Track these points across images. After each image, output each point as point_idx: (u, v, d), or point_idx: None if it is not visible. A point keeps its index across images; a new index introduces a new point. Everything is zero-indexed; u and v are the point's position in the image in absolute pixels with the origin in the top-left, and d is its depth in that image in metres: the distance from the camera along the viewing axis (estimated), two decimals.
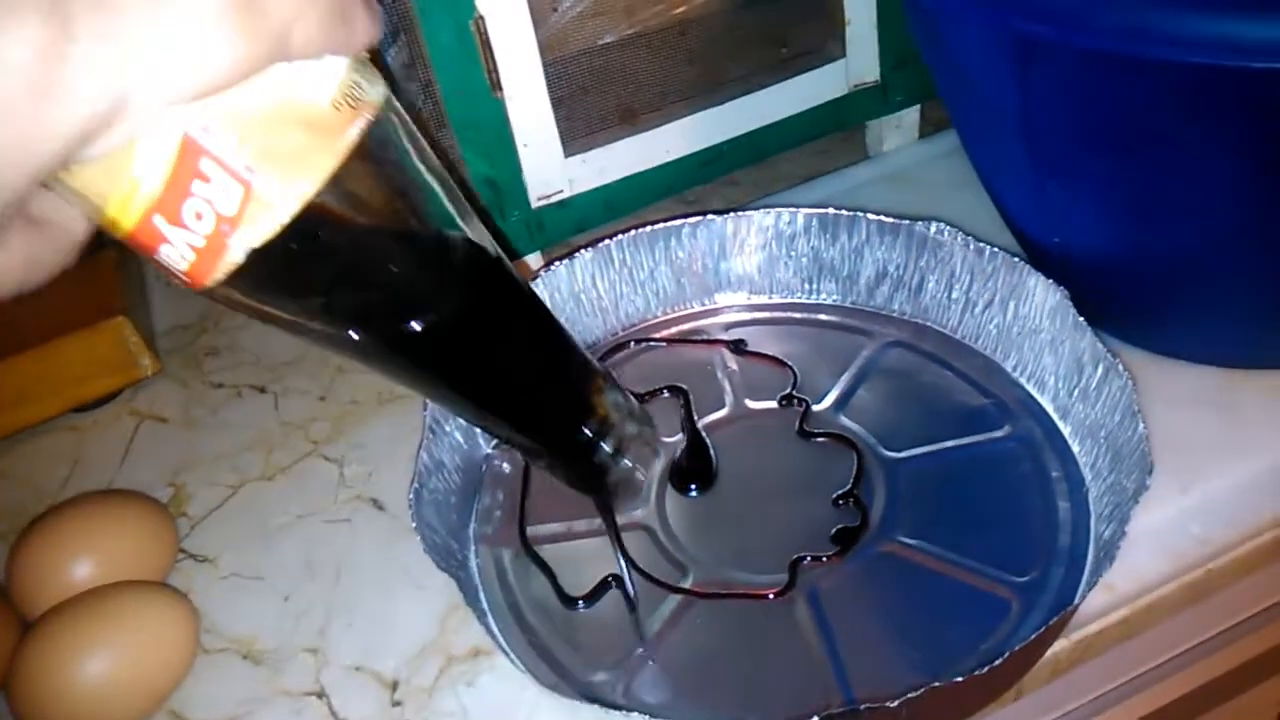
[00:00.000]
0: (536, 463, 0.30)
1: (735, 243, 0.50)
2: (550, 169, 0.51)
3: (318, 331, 0.24)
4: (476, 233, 0.25)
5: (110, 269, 0.58)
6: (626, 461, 0.30)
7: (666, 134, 0.53)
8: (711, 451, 0.44)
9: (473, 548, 0.42)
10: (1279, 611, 0.48)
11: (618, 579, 0.39)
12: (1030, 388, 0.44)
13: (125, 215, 0.20)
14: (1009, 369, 0.46)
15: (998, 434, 0.43)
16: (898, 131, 0.60)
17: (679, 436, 0.45)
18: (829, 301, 0.51)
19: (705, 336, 0.50)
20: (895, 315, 0.49)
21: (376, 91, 0.22)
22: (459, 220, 0.24)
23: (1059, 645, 0.37)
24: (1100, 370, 0.40)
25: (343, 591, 0.43)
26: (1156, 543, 0.39)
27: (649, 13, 0.51)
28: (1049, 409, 0.43)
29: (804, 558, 0.39)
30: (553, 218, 0.53)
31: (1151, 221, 0.37)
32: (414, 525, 0.37)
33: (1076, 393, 0.42)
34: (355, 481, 0.48)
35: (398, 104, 0.23)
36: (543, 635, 0.39)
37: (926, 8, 0.35)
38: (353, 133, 0.21)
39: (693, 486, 0.43)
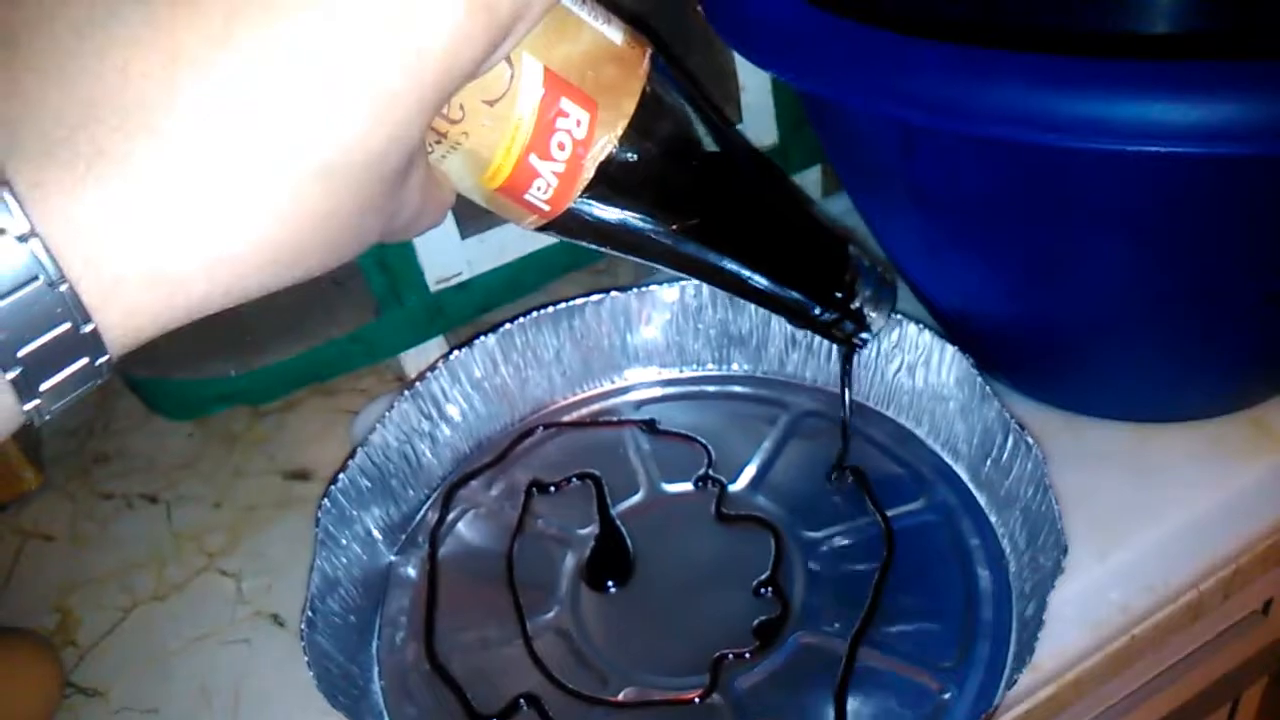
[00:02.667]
0: (795, 321, 0.36)
1: (641, 318, 0.49)
2: (447, 251, 0.50)
3: (644, 230, 0.28)
4: (735, 139, 0.30)
5: None
6: (871, 315, 0.36)
7: None
8: (628, 543, 0.43)
9: (376, 668, 0.39)
10: (1201, 656, 0.48)
11: (530, 697, 0.37)
12: (944, 455, 0.44)
13: (508, 158, 0.25)
14: (922, 436, 0.45)
15: (914, 505, 0.42)
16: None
17: (591, 528, 0.44)
18: (740, 372, 0.50)
19: (616, 417, 0.49)
20: (808, 384, 0.48)
21: (643, 36, 0.27)
22: (715, 124, 0.29)
23: None
24: (1010, 442, 0.39)
25: None
26: (1078, 614, 0.38)
27: None
28: (964, 476, 0.43)
29: (725, 655, 0.38)
30: (453, 300, 0.51)
31: (1042, 289, 0.37)
32: (306, 660, 0.35)
33: (989, 462, 0.41)
34: (254, 596, 0.45)
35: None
36: None
37: (810, 92, 0.34)
38: (646, 62, 0.26)
39: (609, 582, 0.41)
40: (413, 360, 0.53)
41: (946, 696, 0.36)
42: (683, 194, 0.29)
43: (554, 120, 0.24)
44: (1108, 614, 0.38)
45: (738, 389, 0.49)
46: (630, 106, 0.25)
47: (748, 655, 0.38)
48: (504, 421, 0.49)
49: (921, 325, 0.43)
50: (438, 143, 0.25)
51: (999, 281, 0.38)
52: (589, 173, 0.25)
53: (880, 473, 0.44)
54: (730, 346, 0.49)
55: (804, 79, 0.32)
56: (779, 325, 0.48)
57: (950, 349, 0.42)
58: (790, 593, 0.40)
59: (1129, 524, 0.40)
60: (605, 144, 0.25)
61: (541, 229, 0.27)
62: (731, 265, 0.31)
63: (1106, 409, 0.44)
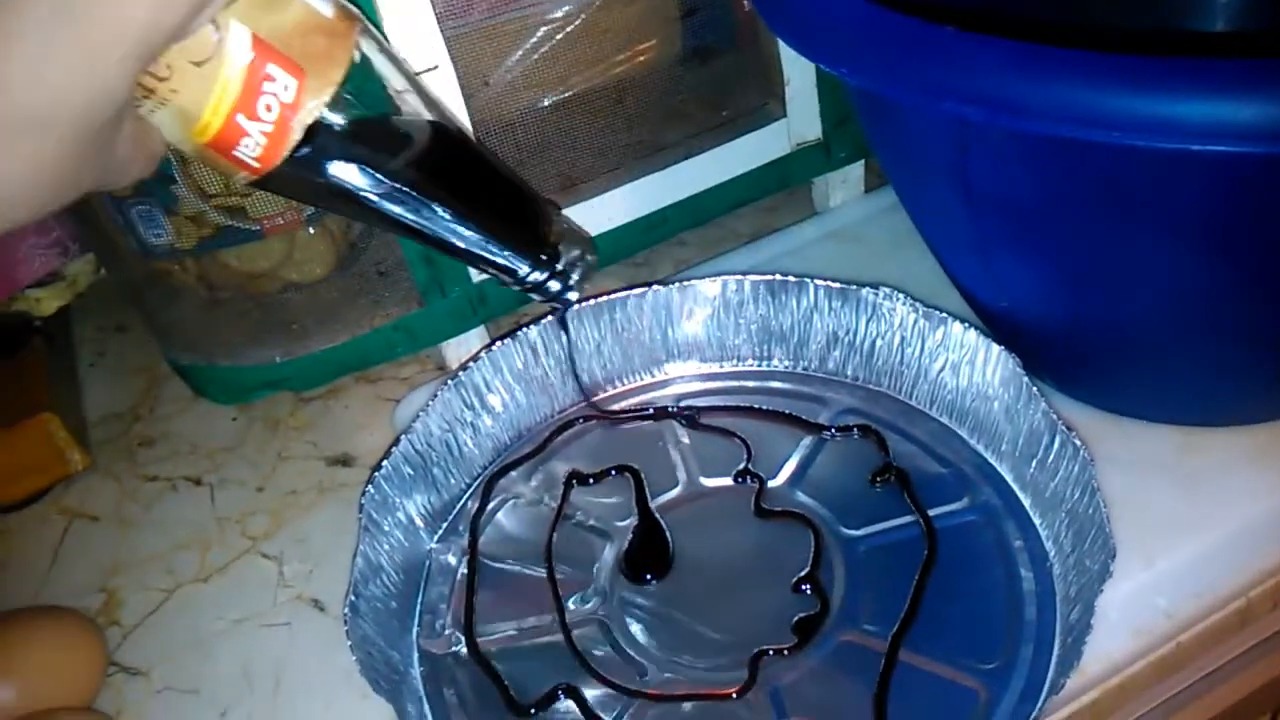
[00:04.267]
0: (504, 280, 0.37)
1: (682, 312, 0.49)
2: None
3: (353, 190, 0.30)
4: (437, 111, 0.33)
5: (37, 363, 0.56)
6: (575, 276, 0.38)
7: (608, 201, 0.52)
8: (667, 536, 0.43)
9: (415, 655, 0.40)
10: (1245, 663, 0.47)
11: (568, 688, 0.37)
12: (988, 455, 0.43)
13: (216, 116, 0.27)
14: (965, 435, 0.44)
15: (956, 506, 0.42)
16: (844, 186, 0.59)
17: (630, 520, 0.44)
18: (781, 369, 0.49)
19: (655, 409, 0.49)
20: (848, 381, 0.48)
21: (354, 10, 0.29)
22: (417, 95, 0.32)
23: None
24: (1057, 443, 0.39)
25: (282, 703, 0.41)
26: (1123, 620, 0.37)
27: (583, 80, 0.50)
28: (1008, 478, 0.42)
29: (765, 651, 0.38)
30: (496, 291, 0.51)
31: (1095, 290, 0.37)
32: (349, 644, 0.35)
33: (1034, 463, 0.41)
34: (295, 580, 0.46)
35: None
36: None
37: (866, 88, 0.34)
38: (355, 34, 0.29)
39: (648, 575, 0.42)
40: (454, 350, 0.53)
41: (988, 698, 0.35)
42: (389, 158, 0.31)
43: (260, 83, 0.27)
44: (1153, 620, 0.38)
45: (778, 385, 0.49)
46: (338, 75, 0.28)
47: (787, 652, 0.38)
48: (544, 413, 0.49)
49: (967, 324, 0.43)
50: (146, 97, 0.26)
51: (1050, 281, 0.38)
52: (296, 134, 0.28)
53: (922, 472, 0.43)
54: (771, 342, 0.49)
55: (860, 75, 0.32)
56: (820, 322, 0.48)
57: (996, 348, 0.42)
58: (830, 590, 0.40)
59: (1176, 529, 0.40)
60: (313, 109, 0.27)
61: (253, 184, 0.29)
62: (439, 227, 0.33)
63: (1154, 412, 0.43)
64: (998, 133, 0.31)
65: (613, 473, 0.46)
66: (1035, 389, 0.40)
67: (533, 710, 0.37)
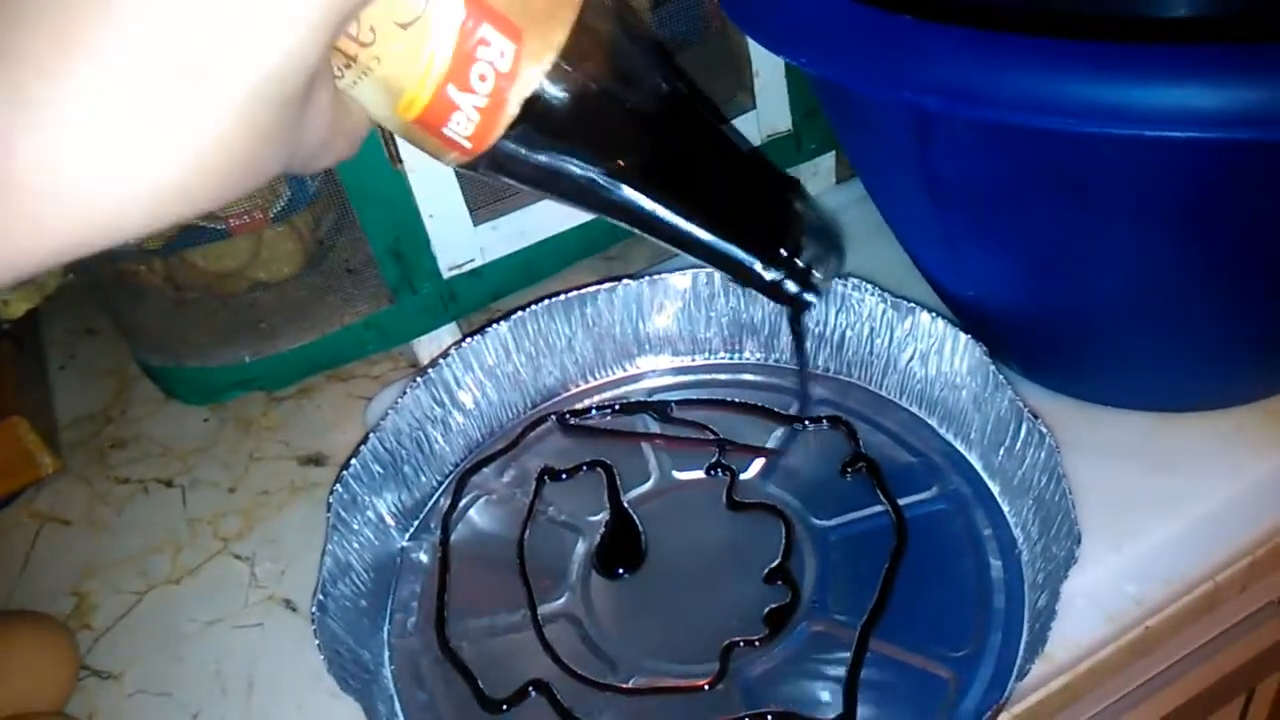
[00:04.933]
0: (737, 279, 0.33)
1: (653, 306, 0.49)
2: (460, 238, 0.50)
3: (578, 174, 0.27)
4: (675, 79, 0.28)
5: (5, 366, 0.55)
6: (817, 275, 0.33)
7: None
8: (639, 530, 0.43)
9: (387, 653, 0.40)
10: (1216, 648, 0.47)
11: (540, 684, 0.37)
12: (957, 444, 0.44)
13: (425, 88, 0.23)
14: (935, 425, 0.45)
15: (926, 495, 0.42)
16: (814, 178, 0.59)
17: (602, 515, 0.43)
18: (752, 361, 0.49)
19: (627, 403, 0.49)
20: (819, 373, 0.48)
21: None
22: (659, 61, 0.27)
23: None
24: (1024, 431, 0.39)
25: (255, 705, 0.41)
26: (1092, 605, 0.38)
27: None
28: (977, 466, 0.42)
29: (736, 642, 0.38)
30: (467, 287, 0.51)
31: (1059, 278, 0.37)
32: (317, 643, 0.35)
33: (1002, 451, 0.41)
34: (267, 581, 0.46)
35: None
36: None
37: (824, 78, 0.34)
38: None
39: (619, 569, 0.41)
40: (426, 346, 0.53)
41: (957, 686, 0.36)
42: (619, 137, 0.27)
43: (474, 49, 0.23)
44: (1122, 605, 0.38)
45: (749, 377, 0.49)
46: (560, 38, 0.24)
47: (758, 643, 0.38)
48: (516, 409, 0.49)
49: (934, 314, 0.43)
50: (347, 67, 0.23)
51: (1014, 269, 0.38)
52: (514, 109, 0.24)
53: (892, 462, 0.44)
54: (742, 335, 0.49)
55: (818, 65, 0.31)
56: None
57: (963, 337, 0.42)
58: (801, 580, 0.40)
59: (1144, 515, 0.40)
60: (531, 78, 0.24)
61: (465, 166, 0.25)
62: (671, 217, 0.29)
63: (1121, 398, 0.43)
64: (957, 122, 0.31)
65: (585, 468, 0.46)
66: (1002, 377, 0.40)
67: (504, 706, 0.37)
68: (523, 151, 0.25)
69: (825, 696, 0.36)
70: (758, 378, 0.49)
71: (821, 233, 0.33)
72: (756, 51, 0.52)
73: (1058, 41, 0.28)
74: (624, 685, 0.37)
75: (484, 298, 0.53)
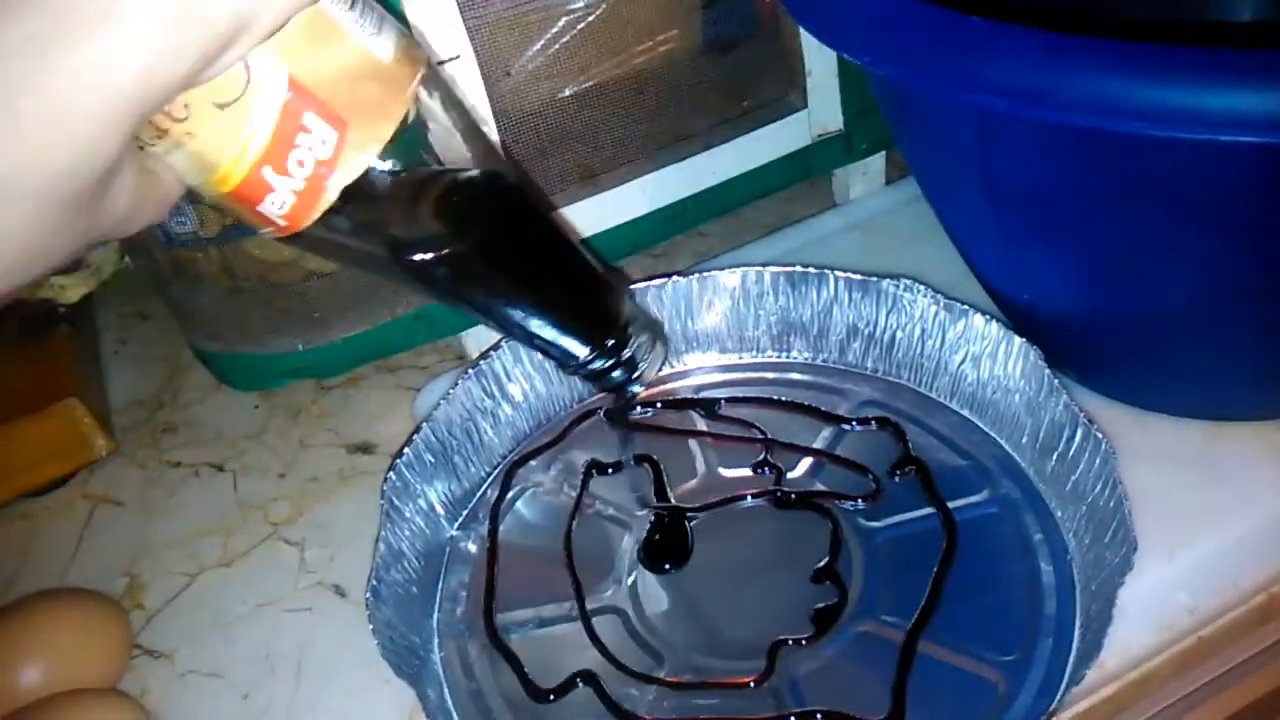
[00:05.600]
0: (563, 367, 0.34)
1: (702, 303, 0.49)
2: None
3: (379, 257, 0.27)
4: (504, 168, 0.29)
5: (62, 349, 0.56)
6: (642, 366, 0.34)
7: (628, 192, 0.52)
8: (686, 525, 0.43)
9: (436, 640, 0.40)
10: (1267, 659, 0.47)
11: (587, 675, 0.37)
12: (1008, 448, 0.43)
13: (238, 168, 0.23)
14: (985, 428, 0.44)
15: (976, 498, 0.42)
16: (864, 178, 0.59)
17: (649, 509, 0.44)
18: (800, 360, 0.49)
19: (675, 399, 0.49)
20: (868, 373, 0.48)
21: (421, 52, 0.25)
22: (490, 157, 0.28)
23: None
24: (1079, 436, 0.39)
25: (304, 687, 0.42)
26: (1144, 614, 0.37)
27: (604, 70, 0.50)
28: (1028, 471, 0.42)
29: (783, 641, 0.38)
30: None
31: (1120, 283, 0.36)
32: (371, 629, 0.36)
33: (1055, 456, 0.40)
34: (316, 566, 0.46)
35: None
36: None
37: (885, 77, 0.34)
38: (414, 83, 0.25)
39: (666, 564, 0.42)
40: (473, 339, 0.54)
41: (1007, 690, 0.35)
42: (442, 228, 0.26)
43: (294, 135, 0.23)
44: (1175, 615, 0.37)
45: (797, 376, 0.49)
46: (387, 132, 0.24)
47: (804, 642, 0.38)
48: (564, 402, 0.49)
49: (989, 316, 0.43)
50: (159, 138, 0.22)
51: (1073, 274, 0.38)
52: (331, 195, 0.24)
53: (942, 464, 0.43)
54: (791, 334, 0.49)
55: (883, 64, 0.31)
56: (839, 313, 0.48)
57: (1018, 341, 0.42)
58: (848, 581, 0.40)
59: (1198, 524, 0.40)
60: (353, 167, 0.23)
61: (281, 241, 0.25)
62: (491, 301, 0.30)
63: (1177, 406, 0.43)
64: (1022, 124, 0.31)
65: (632, 462, 0.46)
66: (1057, 382, 0.40)
67: (551, 697, 0.37)
68: (342, 235, 0.25)
69: (872, 697, 0.36)
70: (805, 377, 0.49)
71: (645, 324, 0.34)
72: (809, 50, 0.52)
73: (1124, 44, 0.27)
74: (670, 679, 0.38)
75: None
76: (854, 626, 0.38)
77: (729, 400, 0.48)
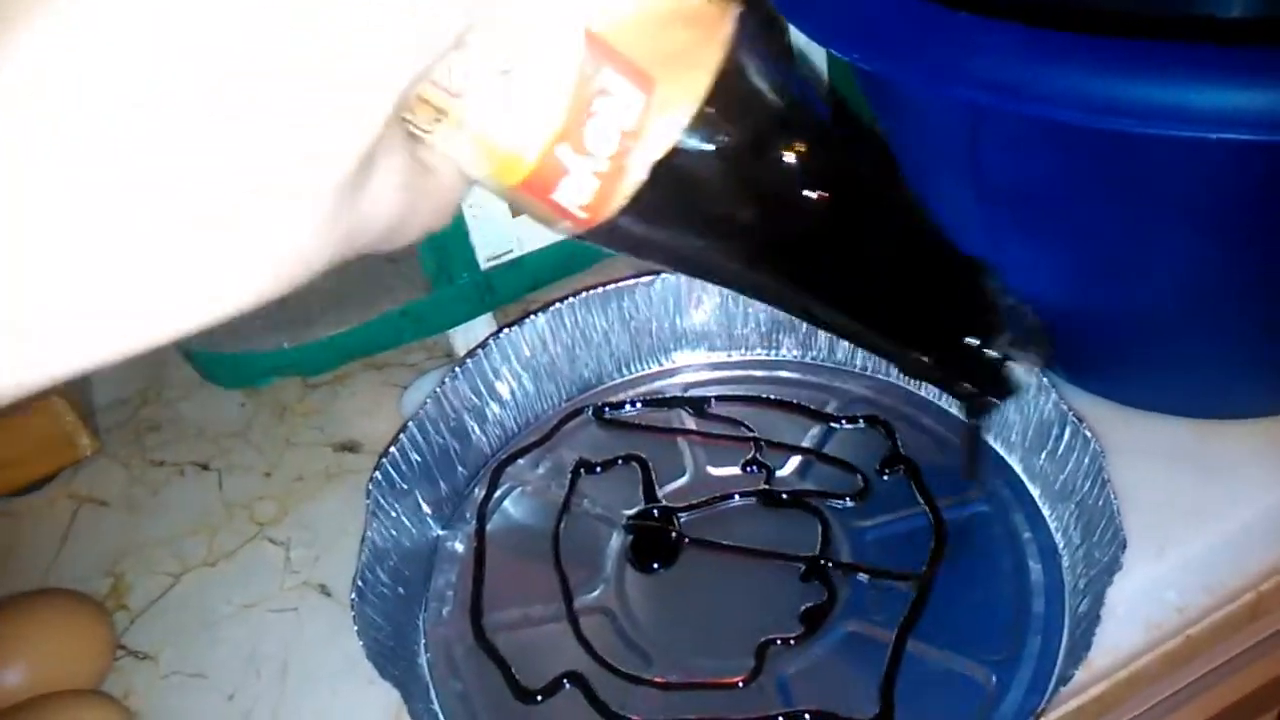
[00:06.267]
0: (921, 374, 0.28)
1: (690, 300, 0.49)
2: (498, 229, 0.50)
3: (713, 251, 0.22)
4: (842, 126, 0.23)
5: None
6: (1015, 368, 0.27)
7: None
8: (675, 524, 0.43)
9: (422, 641, 0.40)
10: (1255, 656, 0.47)
11: (574, 675, 0.37)
12: (997, 446, 0.43)
13: (530, 148, 0.18)
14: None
15: (965, 497, 0.42)
16: None
17: (637, 509, 0.43)
18: (789, 358, 0.49)
19: (663, 397, 0.49)
20: (858, 371, 0.48)
21: None
22: (822, 105, 0.23)
23: None
24: (1068, 434, 0.39)
25: (289, 688, 0.41)
26: (1132, 612, 0.37)
27: None
28: (1017, 469, 0.42)
29: (771, 640, 0.38)
30: (504, 279, 0.51)
31: (1108, 281, 0.36)
32: (356, 629, 0.35)
33: (1044, 455, 0.40)
34: (302, 566, 0.46)
35: None
36: None
37: (875, 72, 0.34)
38: (729, 23, 0.19)
39: (654, 564, 0.41)
40: (461, 337, 0.53)
41: (996, 688, 0.35)
42: (770, 211, 0.22)
43: (593, 100, 0.18)
44: (1163, 613, 0.37)
45: (786, 374, 0.49)
46: (703, 87, 0.19)
47: (793, 641, 0.38)
48: (552, 401, 0.49)
49: None
50: (436, 121, 0.19)
51: (1061, 272, 0.37)
52: (640, 174, 0.19)
53: (932, 463, 0.43)
54: (779, 331, 0.49)
55: (870, 60, 0.31)
56: None
57: None
58: (837, 580, 0.40)
59: (1187, 522, 0.39)
60: (664, 137, 0.19)
61: (582, 238, 0.21)
62: (831, 305, 0.25)
63: (1165, 404, 0.43)
64: (1008, 118, 0.31)
65: (620, 462, 0.46)
66: (1045, 380, 0.40)
67: (538, 697, 0.37)
68: (653, 225, 0.21)
69: (862, 696, 0.36)
70: (794, 375, 0.49)
71: (1019, 317, 0.28)
72: (796, 46, 0.52)
73: (1114, 39, 0.27)
74: (658, 680, 0.37)
75: (521, 289, 0.53)
76: (843, 626, 0.38)
77: (718, 399, 0.48)
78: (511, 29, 0.18)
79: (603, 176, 0.19)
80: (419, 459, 0.43)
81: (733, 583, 0.41)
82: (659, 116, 0.19)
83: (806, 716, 0.35)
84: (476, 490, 0.45)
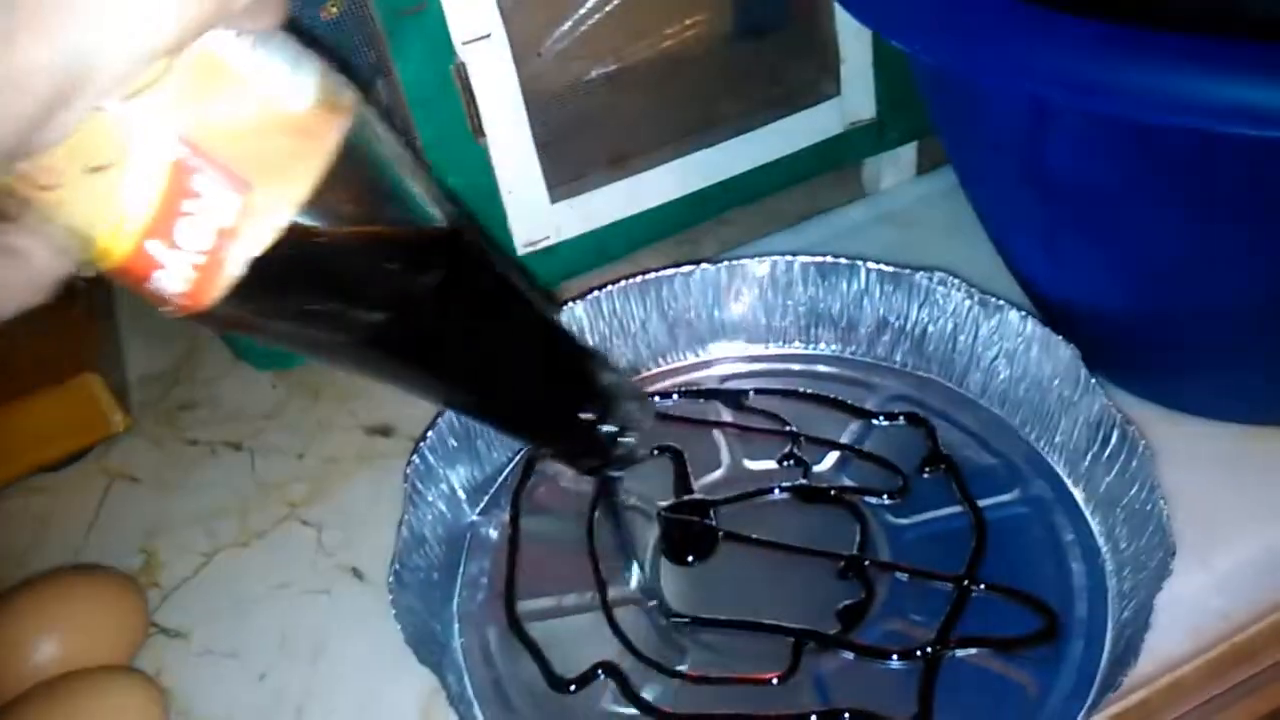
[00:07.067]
0: (539, 451, 0.32)
1: (729, 292, 0.48)
2: (536, 215, 0.49)
3: (312, 336, 0.23)
4: (450, 215, 0.24)
5: (80, 321, 0.56)
6: (628, 439, 0.30)
7: (656, 177, 0.51)
8: (710, 517, 0.42)
9: (456, 626, 0.40)
10: None
11: (609, 666, 0.37)
12: (1040, 447, 0.43)
13: (117, 243, 0.19)
14: (1017, 426, 0.44)
15: (1006, 497, 0.41)
16: (895, 169, 0.58)
17: (672, 500, 0.43)
18: (828, 352, 0.49)
19: (700, 389, 0.48)
20: (897, 367, 0.47)
21: (349, 94, 0.22)
22: (434, 208, 0.24)
23: None
24: (1115, 437, 0.38)
25: (321, 670, 0.41)
26: (1176, 619, 0.36)
27: (634, 52, 0.49)
28: (1060, 471, 0.42)
29: (809, 637, 0.37)
30: (540, 265, 0.51)
31: (1169, 282, 0.36)
32: (394, 613, 0.35)
33: (1090, 457, 0.40)
34: (334, 548, 0.46)
35: (366, 103, 0.22)
36: None
37: (942, 67, 0.33)
38: (335, 134, 0.21)
39: (689, 557, 0.41)
40: None
41: (1037, 692, 0.35)
42: (373, 305, 0.23)
43: (182, 201, 0.19)
44: (1209, 621, 0.37)
45: (824, 369, 0.48)
46: (302, 192, 0.20)
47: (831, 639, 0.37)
48: None
49: (1024, 312, 0.42)
50: (28, 205, 0.19)
51: (1122, 271, 0.37)
52: (235, 269, 0.20)
53: (972, 462, 0.43)
54: (819, 325, 0.48)
55: (933, 51, 0.31)
56: (870, 306, 0.47)
57: (1055, 338, 0.41)
58: (875, 578, 0.39)
59: (1234, 528, 0.39)
60: (261, 235, 0.20)
61: (193, 319, 0.21)
62: (450, 392, 0.27)
63: (1217, 410, 0.42)
64: (1078, 116, 0.30)
65: (655, 452, 0.45)
66: (1094, 381, 0.39)
67: (572, 687, 0.37)
68: (255, 313, 0.21)
69: (900, 697, 0.35)
70: (832, 369, 0.48)
71: (627, 398, 0.30)
72: (845, 38, 0.51)
73: (1190, 37, 0.27)
74: (693, 673, 0.37)
75: (556, 276, 0.52)
76: (881, 625, 0.38)
77: (755, 392, 0.47)
78: (101, 131, 0.18)
79: (200, 269, 0.20)
80: (455, 444, 0.43)
81: (769, 577, 0.40)
82: (256, 218, 0.20)
83: (846, 716, 0.35)
84: (511, 477, 0.45)
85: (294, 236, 0.20)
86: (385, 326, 0.23)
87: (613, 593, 0.40)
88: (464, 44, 0.44)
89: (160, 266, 0.20)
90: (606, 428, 0.29)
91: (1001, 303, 0.43)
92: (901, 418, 0.45)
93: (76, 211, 0.19)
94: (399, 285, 0.23)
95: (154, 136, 0.19)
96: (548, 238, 0.50)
